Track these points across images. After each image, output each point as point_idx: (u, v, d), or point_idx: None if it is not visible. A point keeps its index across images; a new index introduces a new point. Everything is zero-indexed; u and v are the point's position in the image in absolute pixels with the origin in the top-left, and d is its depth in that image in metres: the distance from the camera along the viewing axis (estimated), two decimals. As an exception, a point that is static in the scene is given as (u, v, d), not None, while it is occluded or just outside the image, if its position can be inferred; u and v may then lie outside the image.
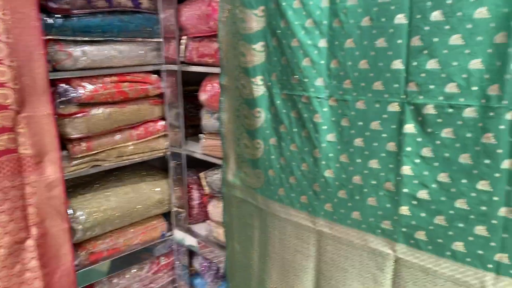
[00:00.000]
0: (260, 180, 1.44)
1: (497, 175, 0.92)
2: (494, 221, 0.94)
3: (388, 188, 1.12)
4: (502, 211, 0.93)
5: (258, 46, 1.33)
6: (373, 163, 1.13)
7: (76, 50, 1.53)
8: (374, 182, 1.14)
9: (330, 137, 1.22)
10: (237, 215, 1.59)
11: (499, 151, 0.91)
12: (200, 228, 1.93)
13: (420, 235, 1.07)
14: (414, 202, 1.07)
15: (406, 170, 1.07)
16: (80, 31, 1.52)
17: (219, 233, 1.78)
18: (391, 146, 1.09)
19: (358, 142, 1.16)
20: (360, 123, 1.14)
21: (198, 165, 1.91)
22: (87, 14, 1.52)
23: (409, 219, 1.09)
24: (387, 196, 1.12)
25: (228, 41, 1.43)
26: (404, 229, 1.10)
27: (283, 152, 1.35)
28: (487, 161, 0.93)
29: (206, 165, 1.81)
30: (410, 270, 1.10)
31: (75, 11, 1.49)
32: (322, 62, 1.19)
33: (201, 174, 1.82)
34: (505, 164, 0.91)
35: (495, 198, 0.93)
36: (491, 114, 0.91)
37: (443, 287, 1.04)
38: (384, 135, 1.10)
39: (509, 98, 0.89)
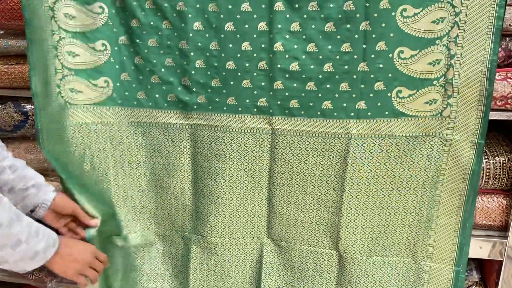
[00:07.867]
0: (105, 90, 1.29)
1: (356, 36, 1.12)
2: (354, 76, 1.16)
3: (262, 67, 1.20)
4: (361, 66, 1.15)
5: None
6: (246, 46, 1.19)
7: None
8: (247, 64, 1.20)
9: (197, 25, 1.19)
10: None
11: (358, 15, 1.10)
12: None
13: (294, 103, 1.22)
14: (287, 75, 1.19)
15: (278, 46, 1.17)
16: None
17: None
18: (263, 25, 1.16)
19: (229, 26, 1.17)
20: (230, 6, 1.15)
21: None
22: None
23: (283, 92, 1.21)
24: (262, 75, 1.21)
25: None
26: (279, 102, 1.22)
27: (139, 50, 1.24)
28: (347, 26, 1.12)
29: None
30: (286, 137, 1.25)
31: None
32: None
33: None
34: (362, 26, 1.11)
35: (355, 57, 1.14)
36: None
37: (315, 143, 1.24)
38: (255, 15, 1.15)
39: None
